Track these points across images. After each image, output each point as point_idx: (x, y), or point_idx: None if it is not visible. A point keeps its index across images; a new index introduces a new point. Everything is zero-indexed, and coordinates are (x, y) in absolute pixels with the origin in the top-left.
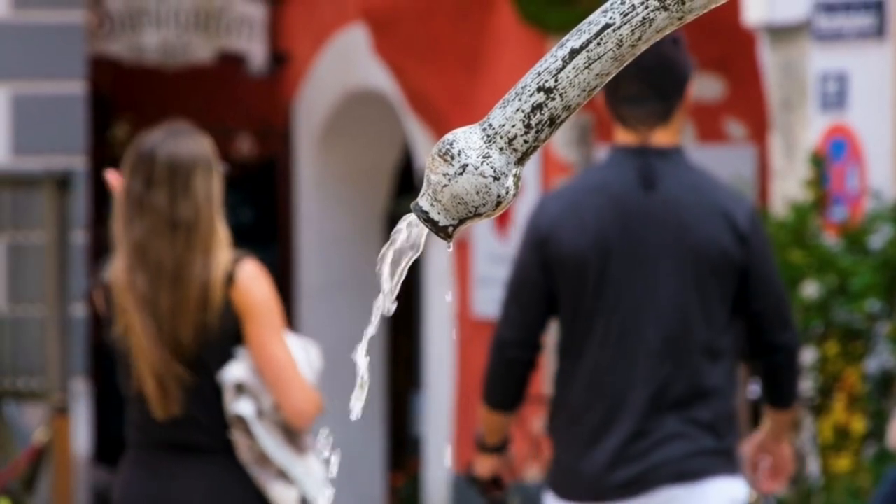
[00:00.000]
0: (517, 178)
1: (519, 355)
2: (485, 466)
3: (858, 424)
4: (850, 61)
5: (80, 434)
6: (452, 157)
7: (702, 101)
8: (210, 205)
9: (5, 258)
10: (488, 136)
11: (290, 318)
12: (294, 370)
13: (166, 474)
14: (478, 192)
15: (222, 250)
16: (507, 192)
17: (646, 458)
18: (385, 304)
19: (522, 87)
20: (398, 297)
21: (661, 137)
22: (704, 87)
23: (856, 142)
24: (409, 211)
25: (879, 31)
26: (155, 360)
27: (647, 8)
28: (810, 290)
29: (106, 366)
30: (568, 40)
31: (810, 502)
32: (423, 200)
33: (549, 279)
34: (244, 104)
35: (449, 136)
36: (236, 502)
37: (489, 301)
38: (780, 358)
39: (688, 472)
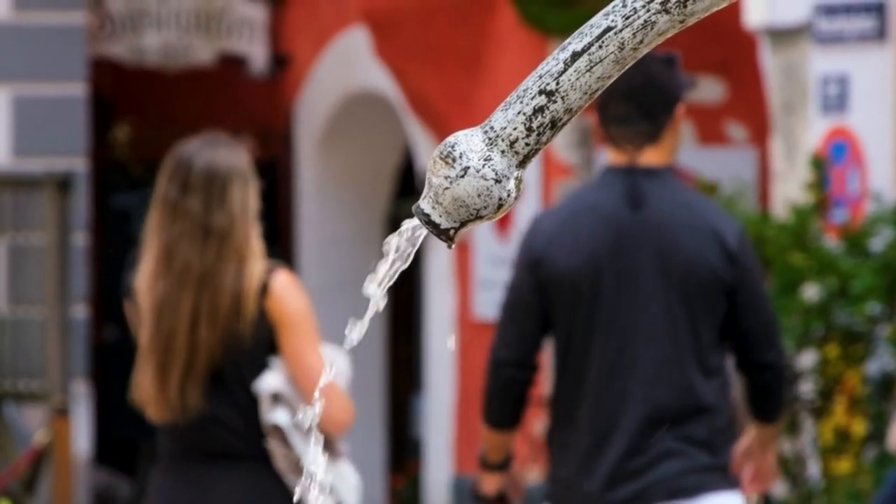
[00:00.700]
0: (519, 180)
1: (516, 375)
2: (489, 484)
3: (859, 427)
4: (851, 64)
5: (81, 435)
6: (454, 160)
7: (703, 104)
8: (245, 215)
9: (6, 259)
10: (490, 138)
11: None
12: (330, 381)
13: (204, 482)
14: (479, 195)
15: (256, 260)
16: (508, 195)
17: (642, 475)
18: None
19: (524, 90)
20: (398, 299)
21: (651, 157)
22: (705, 89)
23: (856, 144)
24: (411, 213)
25: (880, 34)
26: (161, 363)
27: (648, 11)
28: (811, 292)
29: (106, 367)
30: (569, 43)
31: None
32: (424, 203)
33: (544, 299)
34: (245, 106)
35: (450, 139)
36: None
37: (490, 303)
38: (768, 376)
39: (683, 489)
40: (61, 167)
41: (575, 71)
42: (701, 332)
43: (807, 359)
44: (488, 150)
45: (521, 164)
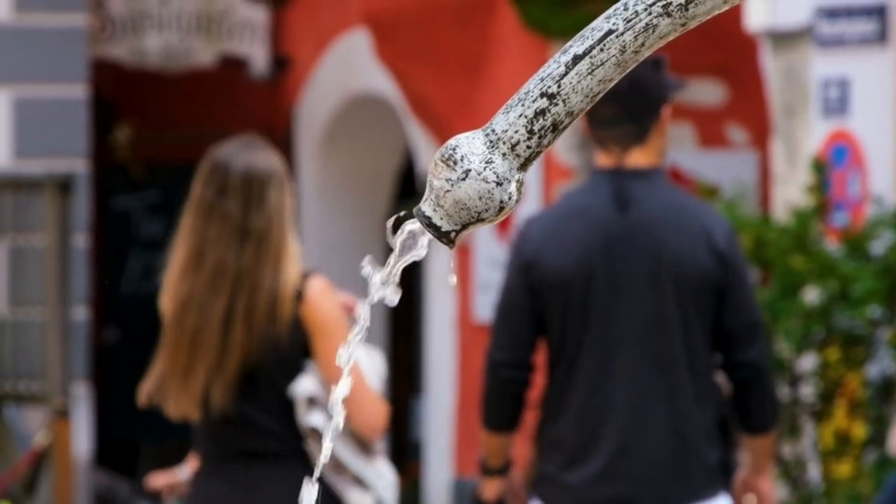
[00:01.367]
0: (520, 183)
1: (512, 376)
2: (490, 489)
3: (859, 430)
4: (852, 67)
5: (81, 437)
6: (455, 163)
7: (703, 107)
8: (282, 217)
9: (6, 261)
10: (491, 141)
11: None
12: (363, 385)
13: (244, 483)
14: (480, 198)
15: (293, 262)
16: (509, 198)
17: (631, 478)
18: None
19: (525, 93)
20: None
21: (638, 158)
22: (706, 92)
23: (857, 148)
24: (411, 216)
25: (881, 37)
26: (187, 361)
27: (650, 14)
28: (811, 295)
29: (106, 369)
30: (571, 46)
31: None
32: (425, 206)
33: (536, 301)
34: (245, 108)
35: (452, 142)
36: None
37: (490, 306)
38: (748, 373)
39: (672, 498)
40: (62, 169)
41: (576, 74)
42: (692, 332)
43: (807, 362)
44: (490, 152)
45: (523, 166)
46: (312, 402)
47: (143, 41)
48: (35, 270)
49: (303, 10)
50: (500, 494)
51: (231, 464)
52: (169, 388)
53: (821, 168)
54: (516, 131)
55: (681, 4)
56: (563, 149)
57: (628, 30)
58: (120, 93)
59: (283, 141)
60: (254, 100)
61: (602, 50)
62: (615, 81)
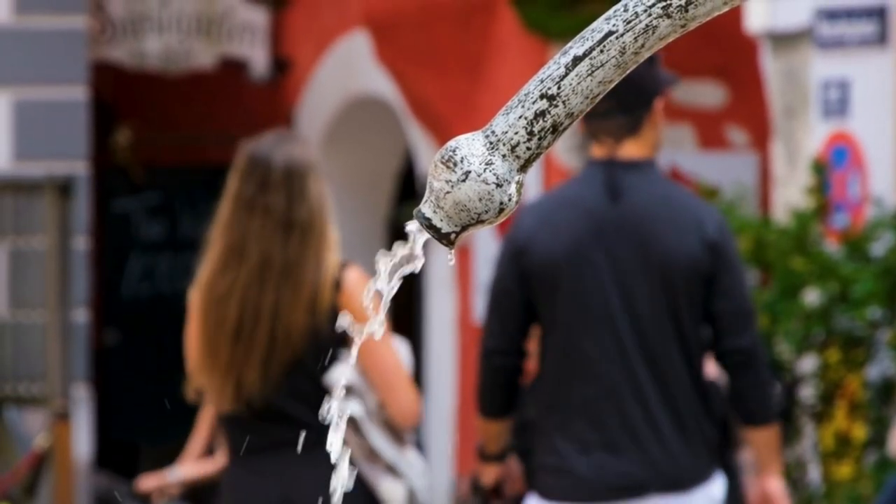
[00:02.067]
0: (520, 184)
1: (504, 363)
2: (488, 475)
3: (859, 432)
4: (852, 68)
5: (81, 439)
6: (455, 164)
7: (703, 108)
8: (322, 208)
9: (7, 263)
10: (491, 143)
11: None
12: (400, 372)
13: (278, 473)
14: (480, 199)
15: (333, 252)
16: (509, 199)
17: (641, 463)
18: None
19: (525, 94)
20: (398, 302)
21: (631, 150)
22: (706, 94)
23: (857, 149)
24: (412, 217)
25: (881, 39)
26: (234, 355)
27: (650, 16)
28: (811, 297)
29: (107, 371)
30: (571, 47)
31: None
32: (425, 207)
33: (527, 289)
34: (246, 110)
35: (452, 143)
36: (349, 498)
37: None
38: (739, 359)
39: (677, 481)
40: (62, 171)
41: (576, 75)
42: (683, 321)
43: (807, 363)
44: (489, 154)
45: (523, 168)
46: (349, 390)
47: (143, 43)
48: (35, 273)
49: (303, 12)
50: (498, 479)
51: (263, 456)
52: (208, 381)
53: (821, 169)
54: (516, 133)
55: (681, 6)
56: (563, 150)
57: (628, 31)
58: (120, 95)
59: None
60: (254, 102)
61: (602, 51)
62: (615, 83)
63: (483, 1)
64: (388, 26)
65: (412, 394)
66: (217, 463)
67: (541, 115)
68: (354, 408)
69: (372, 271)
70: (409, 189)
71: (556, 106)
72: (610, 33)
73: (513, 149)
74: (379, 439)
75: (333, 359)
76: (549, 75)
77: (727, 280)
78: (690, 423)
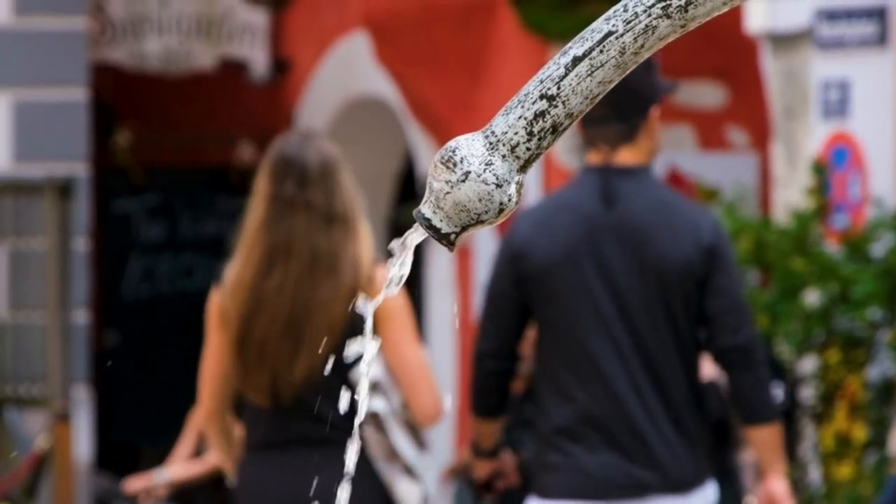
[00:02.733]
0: (519, 185)
1: (496, 366)
2: (481, 470)
3: (860, 432)
4: (852, 69)
5: (82, 441)
6: (455, 165)
7: (703, 109)
8: (355, 201)
9: (7, 265)
10: (491, 143)
11: None
12: (424, 371)
13: (298, 469)
14: (480, 200)
15: (366, 247)
16: (509, 200)
17: (638, 464)
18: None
19: (525, 95)
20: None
21: (627, 156)
22: (706, 94)
23: (857, 150)
24: (412, 218)
25: (881, 39)
26: (287, 350)
27: (649, 16)
28: (812, 297)
29: (107, 372)
30: (570, 47)
31: None
32: (425, 208)
33: (522, 292)
34: (246, 111)
35: (451, 144)
36: (364, 495)
37: None
38: (736, 356)
39: (679, 483)
40: (62, 172)
41: (576, 75)
42: (679, 324)
43: (808, 364)
44: (489, 154)
45: (522, 168)
46: (375, 387)
47: (143, 44)
48: (35, 274)
49: (303, 13)
50: (491, 474)
51: (282, 451)
52: (249, 377)
53: (821, 170)
54: (516, 133)
55: (680, 6)
56: (563, 150)
57: (628, 31)
58: (120, 96)
59: None
60: (254, 103)
61: (602, 52)
62: (615, 83)
63: (483, 1)
64: (387, 27)
65: (435, 394)
66: (205, 464)
67: (540, 115)
68: (378, 404)
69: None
70: (409, 190)
71: (556, 106)
72: (609, 34)
73: (512, 149)
74: (400, 438)
75: (361, 356)
76: (549, 76)
77: (721, 279)
78: (688, 426)
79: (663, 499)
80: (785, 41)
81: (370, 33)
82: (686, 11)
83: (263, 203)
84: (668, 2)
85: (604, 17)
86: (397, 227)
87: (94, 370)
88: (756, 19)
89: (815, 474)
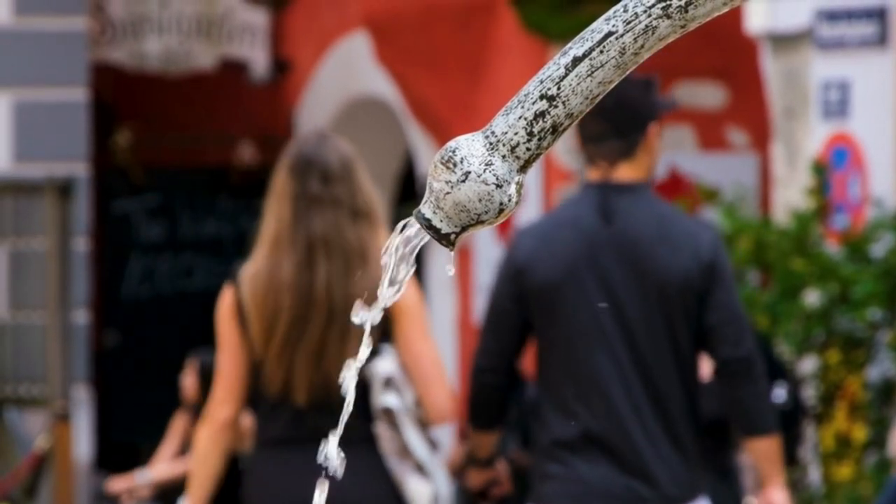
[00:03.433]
0: (520, 185)
1: (495, 382)
2: (476, 479)
3: (860, 433)
4: (852, 69)
5: (82, 441)
6: (455, 165)
7: (703, 110)
8: (373, 195)
9: (7, 265)
10: (491, 143)
11: None
12: (438, 369)
13: (305, 468)
14: (480, 200)
15: (386, 236)
16: (509, 200)
17: (636, 478)
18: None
19: (525, 95)
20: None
21: (625, 173)
22: (706, 95)
23: (858, 150)
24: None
25: (881, 40)
26: (318, 350)
27: (650, 16)
28: (812, 298)
29: (107, 373)
30: (571, 48)
31: None
32: (425, 208)
33: (524, 309)
34: (246, 111)
35: (451, 144)
36: (377, 495)
37: None
38: (735, 369)
39: (675, 498)
40: (62, 172)
41: (576, 76)
42: (679, 340)
43: (808, 364)
44: (489, 154)
45: (523, 168)
46: (389, 383)
47: (143, 44)
48: (35, 274)
49: (303, 13)
50: (486, 483)
51: (292, 448)
52: (302, 373)
53: (821, 170)
54: (516, 133)
55: (680, 6)
56: (563, 151)
57: (628, 32)
58: (120, 96)
59: (283, 144)
60: (254, 103)
61: (602, 52)
62: (615, 83)
63: (483, 2)
64: (388, 27)
65: (449, 392)
66: (187, 463)
67: (540, 115)
68: (392, 400)
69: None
70: (409, 190)
71: (556, 107)
72: (610, 34)
73: (513, 149)
74: (413, 436)
75: (375, 351)
76: (549, 76)
77: (721, 294)
78: (685, 441)
79: None
80: (785, 41)
81: (370, 33)
82: (686, 12)
83: (288, 201)
84: (668, 2)
85: (604, 17)
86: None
87: (93, 370)
88: (756, 19)
89: (815, 475)
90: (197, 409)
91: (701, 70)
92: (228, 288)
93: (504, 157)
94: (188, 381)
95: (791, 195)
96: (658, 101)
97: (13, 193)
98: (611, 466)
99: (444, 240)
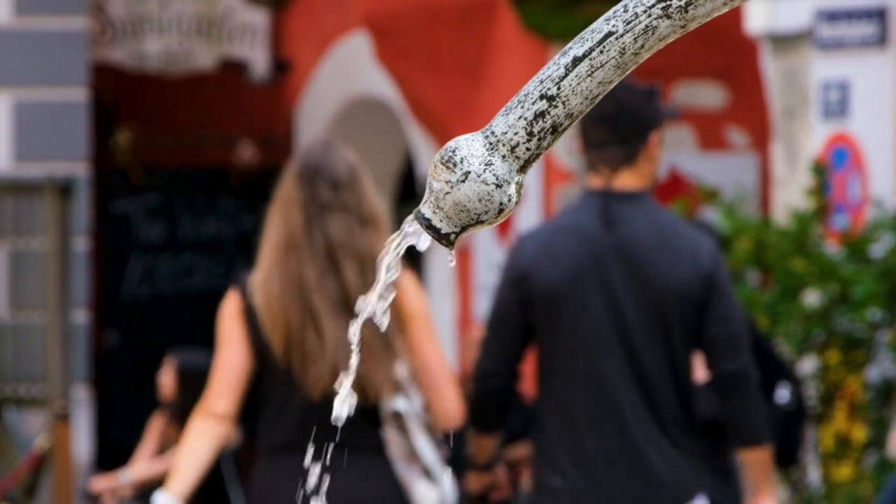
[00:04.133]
0: (519, 185)
1: (499, 386)
2: (475, 482)
3: (859, 433)
4: (852, 70)
5: (81, 441)
6: (455, 165)
7: (704, 110)
8: (378, 201)
9: (7, 265)
10: (491, 143)
11: None
12: (447, 372)
13: (332, 473)
14: (480, 200)
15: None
16: (509, 200)
17: (636, 482)
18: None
19: (525, 95)
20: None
21: (627, 181)
22: (706, 95)
23: (857, 150)
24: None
25: (881, 40)
26: (342, 357)
27: (650, 16)
28: (812, 298)
29: (106, 373)
30: (571, 48)
31: None
32: (425, 208)
33: (527, 313)
34: (246, 112)
35: (451, 144)
36: (384, 499)
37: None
38: (733, 383)
39: (676, 498)
40: (62, 172)
41: (576, 76)
42: (676, 347)
43: (807, 365)
44: (489, 154)
45: (522, 168)
46: (398, 387)
47: (143, 44)
48: (35, 274)
49: (303, 14)
50: (486, 487)
51: (296, 455)
52: (321, 376)
53: (821, 171)
54: (516, 133)
55: (680, 6)
56: (563, 151)
57: (628, 32)
58: (120, 96)
59: (283, 144)
60: (254, 103)
61: (602, 52)
62: (615, 83)
63: (483, 2)
64: (388, 28)
65: (457, 397)
66: (169, 462)
67: (540, 115)
68: (401, 404)
69: None
70: (409, 190)
71: (556, 106)
72: (610, 34)
73: (512, 149)
74: (421, 440)
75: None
76: (549, 76)
77: (720, 306)
78: (682, 442)
79: None
80: (785, 42)
81: (370, 33)
82: (686, 12)
83: (298, 207)
84: (668, 2)
85: (604, 17)
86: (397, 228)
87: (93, 370)
88: (756, 20)
89: (814, 475)
90: (173, 409)
91: (701, 70)
92: (234, 293)
93: (504, 157)
94: (166, 380)
95: (791, 195)
96: (660, 109)
97: (13, 193)
98: (611, 469)
99: (444, 240)
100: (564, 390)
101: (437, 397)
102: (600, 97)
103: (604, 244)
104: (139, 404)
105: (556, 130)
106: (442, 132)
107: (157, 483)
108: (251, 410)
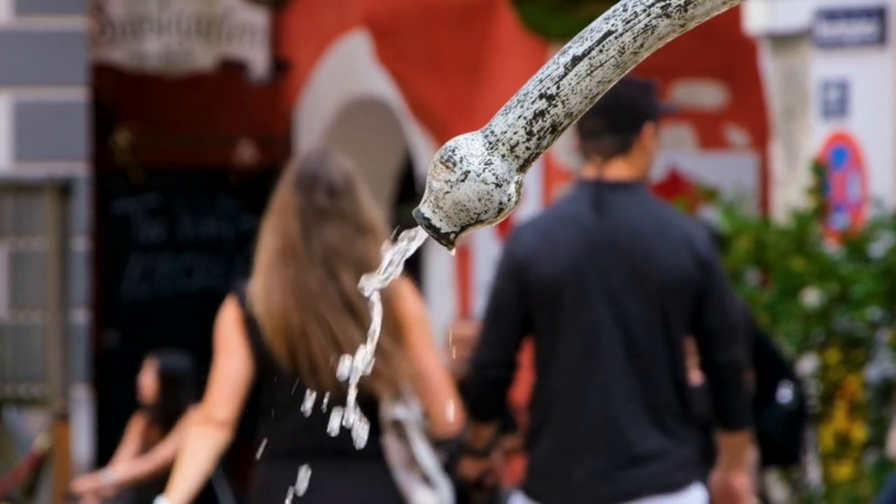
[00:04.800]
0: (519, 185)
1: (497, 376)
2: (471, 469)
3: (859, 432)
4: (852, 69)
5: (81, 441)
6: (454, 164)
7: (703, 109)
8: (374, 209)
9: (7, 264)
10: (490, 142)
11: None
12: (444, 380)
13: (316, 480)
14: (480, 199)
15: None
16: (508, 199)
17: (627, 471)
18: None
19: (524, 94)
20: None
21: (620, 170)
22: (706, 94)
23: (857, 150)
24: (412, 218)
25: (881, 39)
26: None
27: (649, 15)
28: (811, 297)
29: (106, 373)
30: (570, 47)
31: None
32: (424, 207)
33: (526, 303)
34: (245, 111)
35: (451, 143)
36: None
37: None
38: (725, 374)
39: (671, 483)
40: (62, 172)
41: (575, 75)
42: (673, 335)
43: (807, 364)
44: (489, 154)
45: (522, 168)
46: (397, 395)
47: (142, 44)
48: (35, 274)
49: (302, 14)
50: (481, 473)
51: (297, 461)
52: (326, 381)
53: (820, 170)
54: (515, 132)
55: (680, 5)
56: (563, 151)
57: (627, 31)
58: (120, 96)
59: (283, 144)
60: (254, 103)
61: (601, 51)
62: (614, 82)
63: (483, 2)
64: (387, 28)
65: (455, 403)
66: (150, 462)
67: (540, 114)
68: (400, 411)
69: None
70: (408, 190)
71: (556, 106)
72: (609, 33)
73: (512, 149)
74: (421, 447)
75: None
76: (549, 75)
77: (717, 297)
78: (678, 429)
79: (654, 499)
80: (785, 41)
81: (370, 33)
82: (685, 11)
83: (294, 215)
84: (667, 1)
85: (603, 16)
86: (394, 230)
87: (93, 370)
88: (756, 19)
89: (814, 474)
90: (154, 410)
91: (701, 70)
92: (232, 301)
93: (503, 156)
94: (146, 382)
95: (790, 195)
96: (656, 102)
97: (13, 193)
98: (607, 457)
99: (444, 239)
100: (561, 379)
101: (436, 403)
102: (600, 96)
103: (600, 233)
104: (139, 404)
105: (555, 129)
106: (442, 132)
107: (138, 483)
108: (241, 413)
